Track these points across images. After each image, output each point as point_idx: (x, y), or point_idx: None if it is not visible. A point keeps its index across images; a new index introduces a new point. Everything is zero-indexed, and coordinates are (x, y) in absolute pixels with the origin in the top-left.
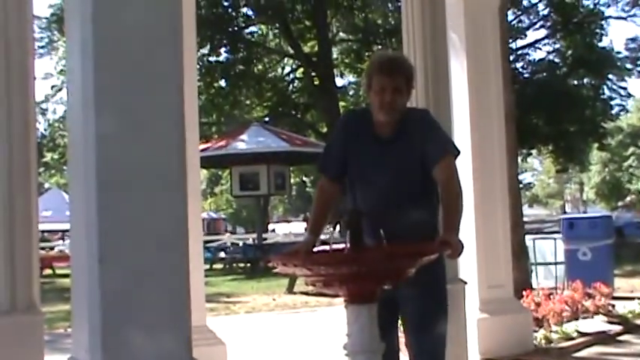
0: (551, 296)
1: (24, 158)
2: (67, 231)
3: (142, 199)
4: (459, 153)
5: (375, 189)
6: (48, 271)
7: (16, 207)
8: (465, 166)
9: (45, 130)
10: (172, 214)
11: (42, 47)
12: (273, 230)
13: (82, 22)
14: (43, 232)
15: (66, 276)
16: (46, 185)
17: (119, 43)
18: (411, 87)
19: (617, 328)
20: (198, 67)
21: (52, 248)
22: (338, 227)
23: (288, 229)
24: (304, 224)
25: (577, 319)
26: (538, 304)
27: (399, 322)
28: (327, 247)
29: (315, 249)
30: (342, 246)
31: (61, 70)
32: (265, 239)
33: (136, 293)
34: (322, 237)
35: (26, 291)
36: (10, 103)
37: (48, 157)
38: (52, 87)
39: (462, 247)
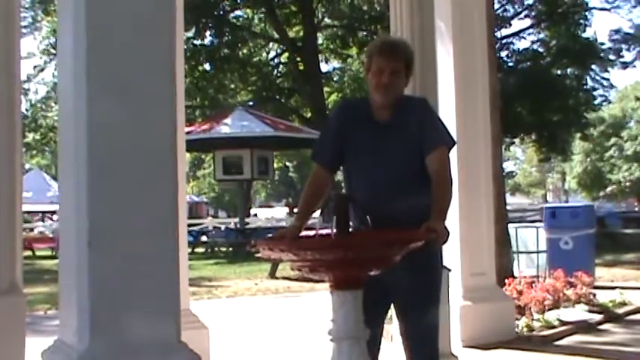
0: (533, 285)
1: (8, 139)
2: (47, 212)
3: (133, 183)
4: (453, 144)
5: (372, 174)
6: (27, 253)
7: (0, 188)
8: (450, 154)
9: (27, 110)
10: (163, 198)
11: (25, 27)
12: (255, 215)
13: (75, 3)
14: (23, 213)
15: (45, 257)
16: (27, 166)
17: (111, 24)
18: (409, 72)
19: (598, 317)
20: (183, 50)
21: (32, 229)
22: (320, 212)
23: (271, 214)
24: (286, 209)
25: (558, 307)
26: (520, 293)
27: (388, 308)
28: (313, 233)
29: (301, 234)
30: (328, 231)
31: (44, 50)
32: (247, 224)
33: (126, 277)
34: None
35: (9, 272)
36: None
37: (29, 137)
38: (35, 67)
39: (448, 234)
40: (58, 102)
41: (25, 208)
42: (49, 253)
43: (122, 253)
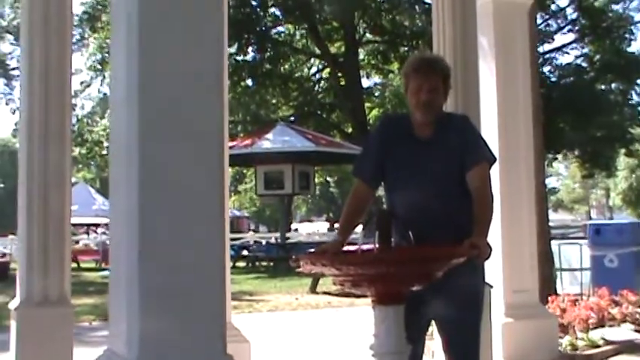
0: (577, 303)
1: (59, 152)
2: (92, 225)
3: (184, 194)
4: (494, 160)
5: (413, 190)
6: (73, 265)
7: (50, 201)
8: (492, 169)
9: (73, 125)
10: (212, 210)
11: (73, 43)
12: (296, 230)
13: (128, 25)
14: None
15: (90, 270)
16: (73, 180)
17: (163, 44)
18: (448, 87)
19: None
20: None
21: (77, 242)
22: (362, 227)
23: (311, 229)
24: (327, 224)
25: (603, 326)
26: (563, 310)
27: (429, 324)
28: (355, 248)
29: (344, 249)
30: (370, 246)
31: (91, 66)
32: (288, 238)
33: (175, 288)
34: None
35: (58, 284)
36: (47, 97)
37: (76, 151)
38: (81, 83)
39: (490, 250)
40: (110, 114)
41: (71, 221)
42: (93, 265)
43: (172, 265)
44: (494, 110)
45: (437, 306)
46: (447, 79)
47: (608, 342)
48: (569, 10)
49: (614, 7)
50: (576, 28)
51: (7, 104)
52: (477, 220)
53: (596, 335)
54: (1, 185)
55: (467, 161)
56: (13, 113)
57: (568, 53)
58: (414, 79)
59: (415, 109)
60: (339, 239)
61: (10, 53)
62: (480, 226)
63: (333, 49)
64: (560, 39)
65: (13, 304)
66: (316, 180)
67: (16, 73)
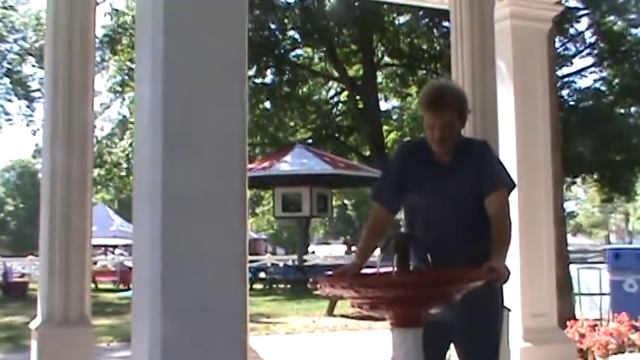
0: (596, 328)
1: (81, 174)
2: (110, 246)
3: (206, 220)
4: (513, 187)
5: (433, 215)
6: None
7: (72, 221)
8: (510, 196)
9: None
10: (233, 235)
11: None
12: (313, 252)
13: (153, 51)
14: None
15: (108, 290)
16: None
17: (187, 66)
18: (464, 116)
19: None
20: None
21: (95, 263)
22: (380, 250)
23: (328, 252)
24: (344, 247)
25: (623, 352)
26: (582, 335)
27: (448, 347)
28: (373, 270)
29: (362, 272)
30: (389, 269)
31: (110, 88)
32: (305, 261)
33: (197, 310)
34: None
35: (79, 304)
36: (70, 118)
37: (95, 172)
38: (101, 104)
39: (509, 273)
40: (135, 138)
41: None
42: (111, 286)
43: (195, 287)
44: (512, 134)
45: (455, 329)
46: (461, 109)
47: None
48: (587, 34)
49: (633, 31)
50: (595, 51)
51: (27, 125)
52: (494, 245)
53: None
54: (21, 206)
55: (485, 187)
56: (34, 134)
57: (587, 77)
58: (426, 115)
59: (431, 142)
60: (358, 262)
61: (31, 75)
62: (497, 250)
63: (351, 72)
64: (578, 62)
65: (34, 324)
66: (334, 202)
67: (37, 94)
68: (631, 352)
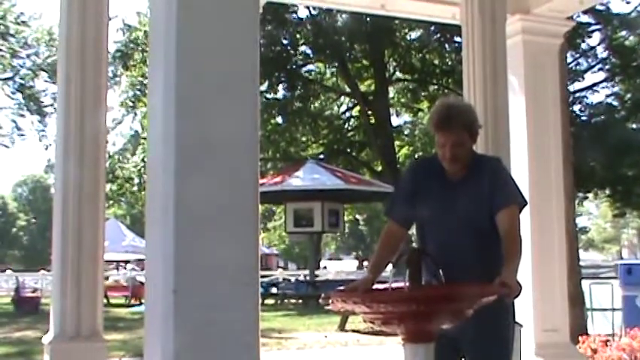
0: (609, 343)
1: (93, 189)
2: (122, 262)
3: (220, 232)
4: (525, 204)
5: (445, 230)
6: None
7: (84, 236)
8: (521, 213)
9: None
10: (245, 250)
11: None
12: (325, 267)
13: (166, 67)
14: None
15: (119, 305)
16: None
17: (199, 81)
18: (474, 132)
19: None
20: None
21: (106, 278)
22: (392, 265)
23: (340, 267)
24: (356, 262)
25: None
26: (594, 351)
27: None
28: (385, 286)
29: (374, 287)
30: (401, 284)
31: (122, 103)
32: (317, 276)
33: (210, 325)
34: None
35: (91, 318)
36: (83, 133)
37: (107, 187)
38: (113, 120)
39: (520, 288)
40: (148, 151)
41: None
42: (123, 301)
43: (207, 302)
44: (524, 149)
45: (467, 344)
46: (471, 127)
47: None
48: (599, 49)
49: None
50: (607, 66)
51: (40, 140)
52: (506, 261)
53: None
54: (34, 221)
55: (496, 204)
56: (46, 149)
57: (598, 92)
58: (437, 135)
59: (442, 161)
60: (370, 277)
61: (44, 90)
62: (509, 265)
63: (363, 87)
64: (590, 78)
65: (47, 339)
66: (345, 218)
67: (49, 110)
68: None
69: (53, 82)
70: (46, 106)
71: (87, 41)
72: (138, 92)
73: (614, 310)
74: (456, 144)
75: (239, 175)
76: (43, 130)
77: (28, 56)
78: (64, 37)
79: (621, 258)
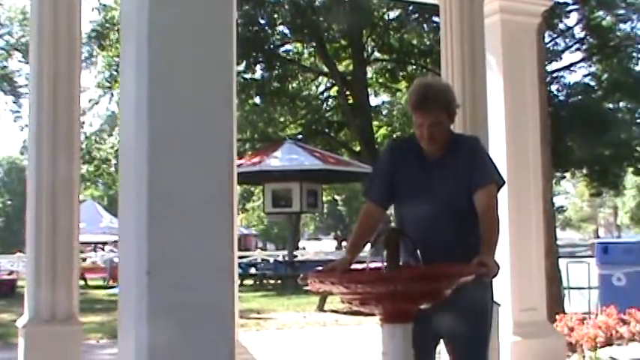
0: (585, 321)
1: (68, 169)
2: (99, 243)
3: (194, 214)
4: (503, 183)
5: (423, 211)
6: (80, 282)
7: (59, 217)
8: (499, 193)
9: (81, 142)
10: (221, 231)
11: (82, 61)
12: (304, 248)
13: (137, 42)
14: None
15: (97, 287)
16: (81, 197)
17: (173, 60)
18: (451, 112)
19: None
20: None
21: (84, 259)
22: (370, 245)
23: (319, 247)
24: (334, 242)
25: (611, 345)
26: (571, 329)
27: (437, 342)
28: (363, 266)
29: (352, 267)
30: (379, 265)
31: (99, 84)
32: (296, 256)
33: (184, 305)
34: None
35: (66, 301)
36: (56, 114)
37: (83, 169)
38: (90, 100)
39: (498, 268)
40: (119, 131)
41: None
42: (100, 283)
43: (181, 284)
44: (502, 128)
45: (445, 324)
46: (448, 107)
47: None
48: (577, 29)
49: (622, 26)
50: (584, 46)
51: (15, 121)
52: (484, 240)
53: (604, 354)
54: (9, 202)
55: (474, 183)
56: (22, 130)
57: (576, 72)
58: (415, 115)
59: (420, 141)
60: (348, 257)
61: (18, 71)
62: (487, 245)
63: (341, 68)
64: (568, 57)
65: (21, 322)
66: (324, 198)
67: (23, 90)
68: (619, 345)
69: (27, 62)
70: (20, 87)
71: (59, 21)
72: (114, 73)
73: (590, 288)
74: (433, 124)
75: (214, 156)
76: (18, 111)
77: (1, 36)
78: (35, 17)
79: (597, 237)
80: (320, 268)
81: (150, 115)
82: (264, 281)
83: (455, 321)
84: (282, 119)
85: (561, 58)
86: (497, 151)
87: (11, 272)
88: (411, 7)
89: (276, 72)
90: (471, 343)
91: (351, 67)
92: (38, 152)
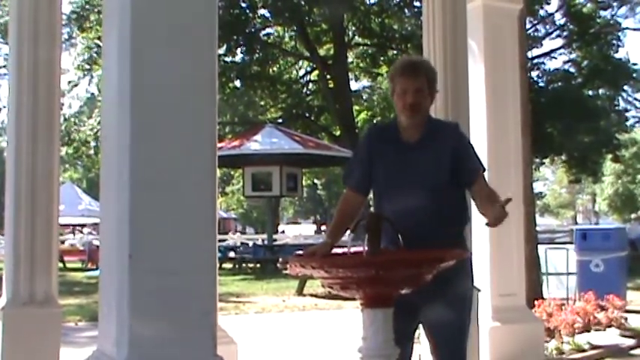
0: (563, 307)
1: (47, 151)
2: (78, 225)
3: (175, 197)
4: (484, 170)
5: (403, 194)
6: (59, 265)
7: (38, 200)
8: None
9: (60, 124)
10: (202, 213)
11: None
12: (283, 232)
13: (120, 24)
14: None
15: (76, 270)
16: (60, 179)
17: (155, 43)
18: (433, 90)
19: (630, 341)
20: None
21: (63, 242)
22: (351, 230)
23: (298, 231)
24: (314, 226)
25: (589, 331)
26: (550, 315)
27: (417, 327)
28: (344, 250)
29: (333, 251)
30: (359, 249)
31: (79, 66)
32: (275, 240)
33: (165, 289)
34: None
35: (45, 284)
36: (36, 96)
37: (63, 151)
38: (69, 82)
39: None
40: (102, 114)
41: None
42: (79, 265)
43: (163, 267)
44: (483, 114)
45: (426, 309)
46: (432, 81)
47: (593, 346)
48: (557, 16)
49: (602, 13)
50: (564, 33)
51: None
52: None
53: (582, 340)
54: None
55: (468, 173)
56: (0, 111)
57: (556, 58)
58: (399, 82)
59: (401, 113)
60: (328, 241)
61: None
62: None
63: (322, 52)
64: (548, 44)
65: None
66: (304, 182)
67: (3, 71)
68: (597, 330)
69: (6, 43)
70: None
71: (40, 2)
72: (94, 54)
73: (569, 274)
74: (418, 90)
75: (196, 139)
76: None
77: None
78: None
79: (576, 223)
80: (300, 252)
81: (132, 98)
82: (244, 265)
83: (435, 306)
84: (262, 103)
85: (542, 45)
86: (479, 136)
87: None
88: None
89: (257, 55)
90: (455, 331)
91: (332, 52)
92: (17, 134)
